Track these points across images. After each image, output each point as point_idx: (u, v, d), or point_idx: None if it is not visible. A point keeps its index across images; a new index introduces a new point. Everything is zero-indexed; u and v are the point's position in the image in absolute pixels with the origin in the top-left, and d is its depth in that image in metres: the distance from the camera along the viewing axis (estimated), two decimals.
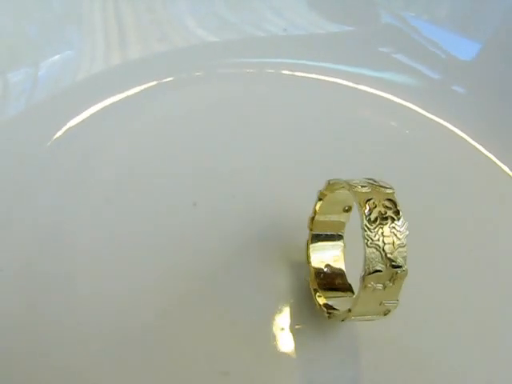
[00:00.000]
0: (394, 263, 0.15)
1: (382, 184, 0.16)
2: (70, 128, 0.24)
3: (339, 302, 0.19)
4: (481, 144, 0.25)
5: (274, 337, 0.19)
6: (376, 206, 0.15)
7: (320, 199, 0.19)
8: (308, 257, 0.20)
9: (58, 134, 0.24)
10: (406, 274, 0.15)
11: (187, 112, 0.25)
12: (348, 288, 0.19)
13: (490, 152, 0.25)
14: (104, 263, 0.20)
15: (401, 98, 0.27)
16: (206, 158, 0.24)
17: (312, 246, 0.20)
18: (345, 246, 0.20)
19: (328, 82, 0.27)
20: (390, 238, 0.15)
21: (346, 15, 0.29)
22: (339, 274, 0.19)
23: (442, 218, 0.22)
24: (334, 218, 0.19)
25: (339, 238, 0.20)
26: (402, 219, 0.15)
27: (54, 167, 0.23)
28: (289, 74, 0.27)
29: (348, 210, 0.19)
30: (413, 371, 0.19)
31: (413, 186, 0.22)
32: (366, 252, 0.15)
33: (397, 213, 0.15)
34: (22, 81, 0.24)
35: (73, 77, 0.25)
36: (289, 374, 0.18)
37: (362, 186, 0.16)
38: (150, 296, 0.19)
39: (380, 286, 0.15)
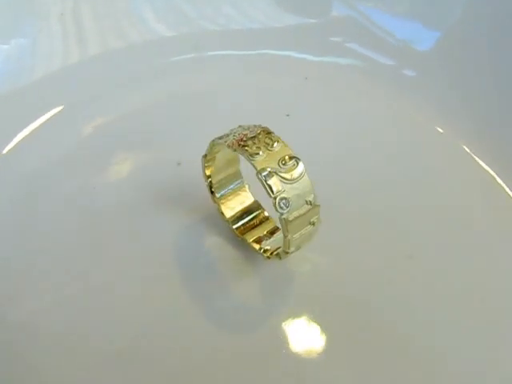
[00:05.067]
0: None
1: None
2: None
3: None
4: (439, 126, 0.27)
5: None
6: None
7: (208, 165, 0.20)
8: (222, 213, 0.21)
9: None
10: None
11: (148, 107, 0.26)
12: (267, 218, 0.21)
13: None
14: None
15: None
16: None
17: (222, 203, 0.21)
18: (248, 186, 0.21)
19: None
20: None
21: (303, 6, 0.29)
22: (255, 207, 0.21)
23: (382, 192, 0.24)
24: (229, 170, 0.21)
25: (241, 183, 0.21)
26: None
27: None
28: (244, 65, 0.29)
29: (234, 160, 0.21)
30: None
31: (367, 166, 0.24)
32: None
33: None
34: None
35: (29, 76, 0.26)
36: None
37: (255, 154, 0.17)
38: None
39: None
